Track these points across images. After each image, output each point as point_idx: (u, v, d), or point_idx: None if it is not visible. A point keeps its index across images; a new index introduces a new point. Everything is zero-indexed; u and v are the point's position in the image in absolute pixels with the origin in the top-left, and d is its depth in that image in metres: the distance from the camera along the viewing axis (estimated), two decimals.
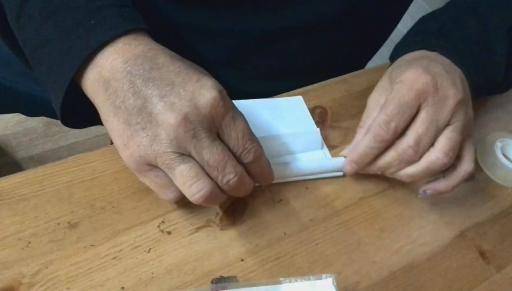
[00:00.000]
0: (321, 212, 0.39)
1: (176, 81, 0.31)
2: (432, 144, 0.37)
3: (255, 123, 0.42)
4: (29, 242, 0.32)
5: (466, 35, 0.44)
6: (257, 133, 0.40)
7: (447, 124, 0.38)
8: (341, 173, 0.41)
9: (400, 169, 0.38)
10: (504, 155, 0.47)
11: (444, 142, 0.37)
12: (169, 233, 0.35)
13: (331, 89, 0.49)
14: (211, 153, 0.31)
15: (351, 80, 0.51)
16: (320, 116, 0.46)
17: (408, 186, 0.42)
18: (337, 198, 0.40)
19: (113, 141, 0.33)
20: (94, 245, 0.33)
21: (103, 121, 0.33)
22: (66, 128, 1.12)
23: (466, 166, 0.39)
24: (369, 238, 0.38)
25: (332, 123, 0.46)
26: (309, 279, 0.31)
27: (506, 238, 0.41)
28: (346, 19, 0.49)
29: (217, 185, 0.32)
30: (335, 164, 0.41)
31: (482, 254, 0.40)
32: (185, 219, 0.36)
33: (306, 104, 0.46)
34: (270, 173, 0.36)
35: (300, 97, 0.46)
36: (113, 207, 0.35)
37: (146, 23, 0.35)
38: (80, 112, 0.36)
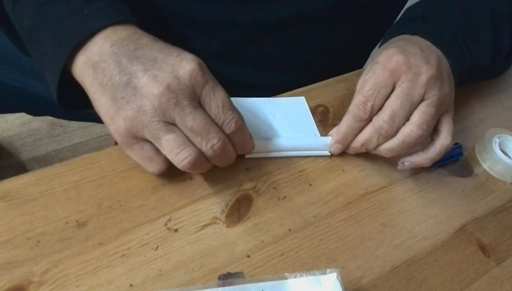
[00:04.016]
0: (325, 208, 0.39)
1: (158, 56, 0.33)
2: (407, 119, 0.39)
3: (256, 121, 0.43)
4: (38, 241, 0.33)
5: (449, 21, 0.45)
6: (257, 131, 0.40)
7: (422, 99, 0.39)
8: (328, 153, 0.43)
9: (379, 144, 0.40)
10: (502, 151, 0.47)
11: (418, 116, 0.39)
12: (175, 230, 0.35)
13: (333, 88, 0.49)
14: (193, 119, 0.32)
15: (352, 79, 0.51)
16: (322, 114, 0.46)
17: (409, 182, 0.43)
18: (340, 194, 0.41)
19: (102, 118, 0.34)
20: (103, 243, 0.33)
21: (92, 101, 0.35)
22: (70, 129, 1.12)
23: (443, 140, 0.40)
24: (371, 233, 0.39)
25: (334, 122, 0.46)
26: (314, 274, 0.32)
27: (506, 231, 0.42)
28: (343, 10, 0.50)
29: (201, 153, 0.34)
30: (322, 142, 0.42)
31: (482, 248, 0.40)
32: (191, 217, 0.36)
33: (308, 103, 0.46)
34: (251, 144, 0.38)
35: (302, 98, 0.47)
36: (121, 205, 0.36)
37: (142, 15, 0.37)
38: (76, 94, 0.37)
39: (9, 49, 0.51)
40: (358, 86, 0.42)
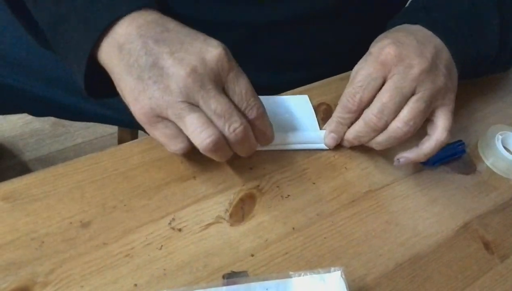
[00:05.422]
0: (328, 207, 0.39)
1: (185, 40, 0.34)
2: (398, 111, 0.39)
3: None
4: (43, 242, 0.33)
5: (453, 10, 0.45)
6: None
7: (413, 93, 0.39)
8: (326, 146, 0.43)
9: (371, 138, 0.40)
10: (505, 147, 0.47)
11: (406, 111, 0.38)
12: (179, 230, 0.35)
13: (336, 86, 0.49)
14: (217, 102, 0.33)
15: None
16: (325, 112, 0.46)
17: (412, 179, 0.43)
18: (344, 192, 0.41)
19: (124, 99, 0.35)
20: (107, 243, 0.33)
21: (116, 82, 0.35)
22: (72, 129, 1.12)
23: (438, 135, 0.40)
24: (375, 231, 0.39)
25: None
26: (318, 272, 0.32)
27: (509, 228, 0.42)
28: (347, 10, 0.50)
29: (223, 136, 0.34)
30: (320, 136, 0.43)
31: (486, 245, 0.40)
32: (195, 216, 0.36)
33: (311, 101, 0.46)
34: (272, 132, 0.38)
35: (306, 97, 0.46)
36: (125, 205, 0.36)
37: None
38: (102, 82, 0.37)
39: (11, 50, 0.51)
40: (351, 76, 0.42)
